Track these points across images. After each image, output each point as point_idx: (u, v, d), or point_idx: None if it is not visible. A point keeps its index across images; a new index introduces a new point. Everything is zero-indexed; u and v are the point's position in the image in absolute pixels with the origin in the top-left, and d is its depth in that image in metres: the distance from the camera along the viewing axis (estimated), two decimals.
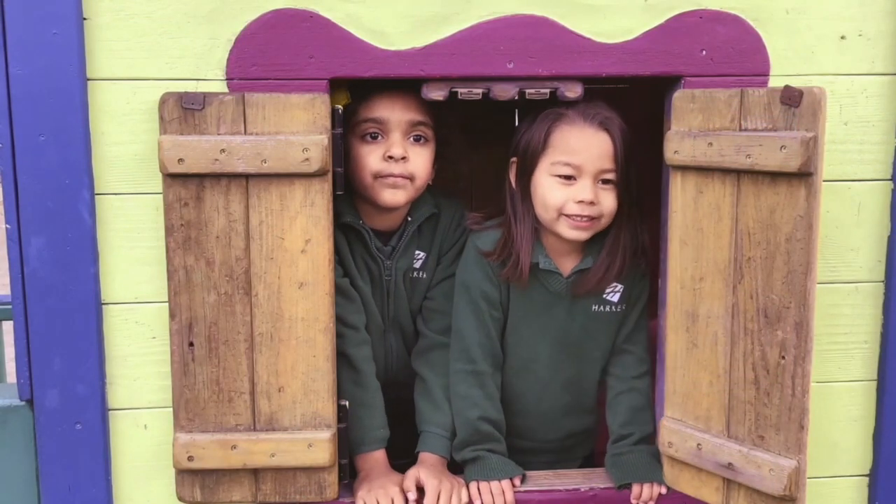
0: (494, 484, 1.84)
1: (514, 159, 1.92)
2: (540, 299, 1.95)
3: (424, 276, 2.04)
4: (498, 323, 1.95)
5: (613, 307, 1.96)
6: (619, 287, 1.95)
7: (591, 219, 1.83)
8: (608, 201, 1.83)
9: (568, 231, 1.83)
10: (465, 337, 1.94)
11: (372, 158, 1.85)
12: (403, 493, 1.81)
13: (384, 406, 1.96)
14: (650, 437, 1.91)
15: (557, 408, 2.03)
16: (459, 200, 2.08)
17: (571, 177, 1.82)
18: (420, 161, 1.88)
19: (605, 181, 1.83)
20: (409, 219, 1.99)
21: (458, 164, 2.37)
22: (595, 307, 1.96)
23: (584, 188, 1.80)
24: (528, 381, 2.01)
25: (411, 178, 1.86)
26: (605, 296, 1.95)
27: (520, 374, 2.00)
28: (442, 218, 2.03)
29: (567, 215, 1.82)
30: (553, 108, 1.84)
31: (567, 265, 1.93)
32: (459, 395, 1.93)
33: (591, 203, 1.81)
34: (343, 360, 1.85)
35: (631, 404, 1.93)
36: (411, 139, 1.87)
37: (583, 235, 1.85)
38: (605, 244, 1.90)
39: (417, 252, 2.03)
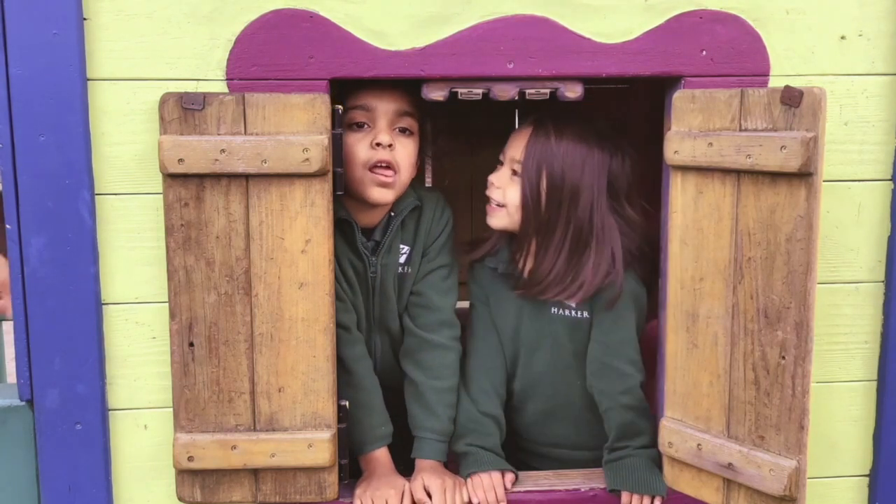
0: (485, 476, 1.86)
1: None
2: (510, 302, 2.00)
3: (410, 270, 2.02)
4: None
5: (573, 312, 1.97)
6: None
7: (498, 205, 1.90)
8: (511, 193, 1.89)
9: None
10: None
11: (360, 147, 1.84)
12: (401, 495, 1.82)
13: (384, 404, 1.95)
14: (648, 444, 1.89)
15: (543, 410, 2.05)
16: (439, 192, 2.07)
17: (501, 163, 1.94)
18: (405, 153, 1.87)
19: (514, 172, 1.90)
20: (393, 213, 1.97)
21: (460, 172, 2.36)
22: (554, 310, 1.98)
23: (498, 176, 1.93)
24: (516, 381, 2.05)
25: (397, 170, 1.85)
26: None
27: (511, 375, 2.05)
28: (425, 210, 2.01)
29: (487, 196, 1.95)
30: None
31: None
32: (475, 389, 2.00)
33: (495, 187, 1.91)
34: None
35: (619, 421, 1.92)
36: (397, 130, 1.87)
37: (493, 221, 1.93)
38: (540, 250, 1.91)
39: (402, 247, 2.01)
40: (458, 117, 2.11)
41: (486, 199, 1.94)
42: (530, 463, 2.10)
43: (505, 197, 1.90)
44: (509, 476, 1.89)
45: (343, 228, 1.93)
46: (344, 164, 1.84)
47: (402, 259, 2.01)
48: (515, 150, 1.90)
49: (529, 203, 1.86)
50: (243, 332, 1.70)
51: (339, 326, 1.88)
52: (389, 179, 1.85)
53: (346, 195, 1.90)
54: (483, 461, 1.90)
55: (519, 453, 2.10)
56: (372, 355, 2.04)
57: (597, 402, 1.96)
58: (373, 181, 1.85)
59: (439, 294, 2.00)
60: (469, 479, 1.88)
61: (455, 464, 1.95)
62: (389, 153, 1.84)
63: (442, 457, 1.93)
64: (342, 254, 1.95)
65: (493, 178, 1.92)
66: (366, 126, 1.86)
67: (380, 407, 1.94)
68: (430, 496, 1.83)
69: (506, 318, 2.02)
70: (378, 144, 1.83)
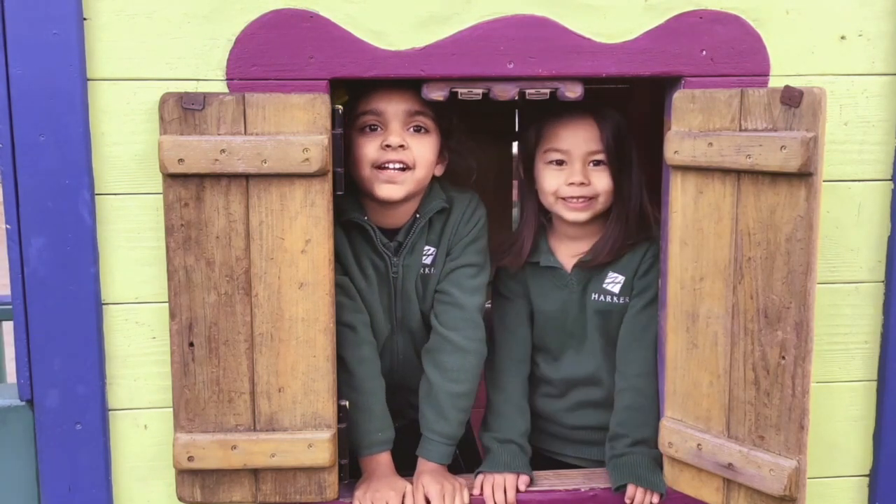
0: (498, 477, 1.87)
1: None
2: (553, 295, 2.04)
3: (434, 271, 2.01)
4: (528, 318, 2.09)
5: (615, 298, 2.00)
6: (620, 278, 2.00)
7: (587, 199, 1.94)
8: (601, 181, 1.94)
9: (567, 213, 1.96)
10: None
11: (369, 148, 1.84)
12: (401, 497, 1.82)
13: (387, 408, 1.94)
14: (649, 440, 1.89)
15: (584, 401, 2.07)
16: (474, 193, 2.05)
17: (563, 162, 1.95)
18: (421, 150, 1.86)
19: (596, 162, 1.94)
20: (418, 215, 1.96)
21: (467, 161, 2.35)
22: (595, 296, 2.02)
23: (574, 171, 1.93)
24: (558, 374, 2.07)
25: (413, 167, 1.85)
26: (605, 285, 2.01)
27: (551, 366, 2.08)
28: (454, 212, 1.99)
29: (563, 198, 1.95)
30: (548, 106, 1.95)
31: (573, 255, 2.02)
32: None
33: (583, 184, 1.92)
34: (338, 362, 1.83)
35: (627, 403, 1.93)
36: (411, 130, 1.86)
37: (581, 216, 1.96)
38: (609, 221, 1.99)
39: (427, 248, 1.99)
40: (462, 116, 2.10)
41: (563, 200, 1.95)
42: (558, 448, 2.13)
43: (596, 189, 1.94)
44: (524, 478, 1.89)
45: (363, 228, 1.93)
46: (352, 165, 1.84)
47: (428, 260, 2.00)
48: (587, 143, 1.93)
49: (623, 182, 1.95)
50: (243, 332, 1.70)
51: (346, 326, 1.88)
52: (398, 176, 1.84)
53: (366, 197, 1.90)
54: (500, 461, 1.91)
55: (549, 438, 2.12)
56: (393, 356, 2.04)
57: (615, 383, 1.98)
58: (380, 178, 1.84)
59: (463, 291, 1.97)
60: (482, 476, 1.89)
61: (456, 464, 1.96)
62: (402, 153, 1.84)
63: (446, 460, 1.93)
64: (363, 253, 1.95)
65: (577, 178, 1.92)
66: (378, 129, 1.86)
67: (380, 411, 1.93)
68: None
69: (550, 310, 2.05)
70: (387, 146, 1.83)
